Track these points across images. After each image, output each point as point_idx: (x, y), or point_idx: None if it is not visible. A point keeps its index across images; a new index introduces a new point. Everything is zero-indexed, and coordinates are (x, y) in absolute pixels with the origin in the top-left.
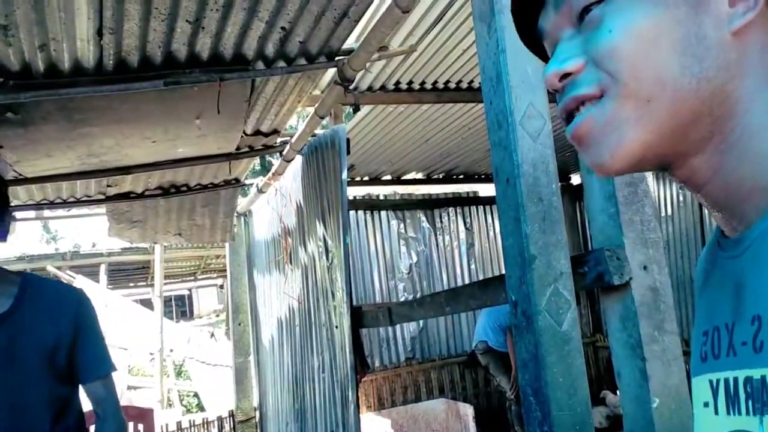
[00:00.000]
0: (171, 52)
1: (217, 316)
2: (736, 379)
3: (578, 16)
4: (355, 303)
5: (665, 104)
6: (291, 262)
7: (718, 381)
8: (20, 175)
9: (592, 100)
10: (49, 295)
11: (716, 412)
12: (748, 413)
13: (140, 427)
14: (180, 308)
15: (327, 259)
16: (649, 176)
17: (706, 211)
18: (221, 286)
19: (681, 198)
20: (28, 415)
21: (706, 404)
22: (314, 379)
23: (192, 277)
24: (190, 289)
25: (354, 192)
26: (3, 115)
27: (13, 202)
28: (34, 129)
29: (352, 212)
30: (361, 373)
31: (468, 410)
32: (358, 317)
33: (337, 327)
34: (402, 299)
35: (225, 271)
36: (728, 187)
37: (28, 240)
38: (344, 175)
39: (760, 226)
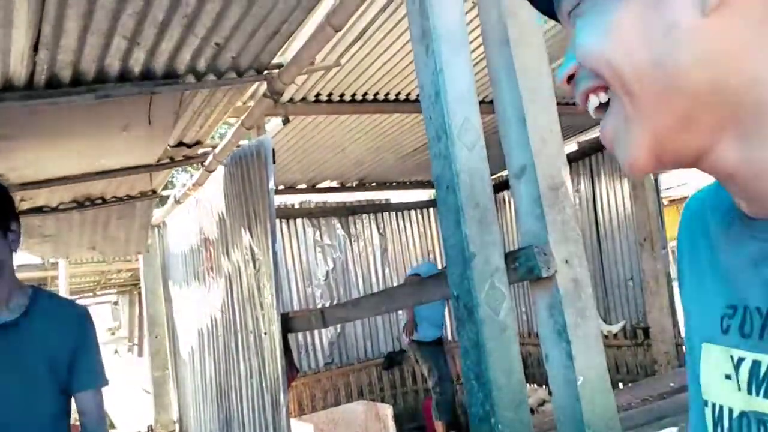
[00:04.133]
0: (104, 67)
1: (113, 333)
2: None
3: (569, 19)
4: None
5: (652, 100)
6: (213, 272)
7: (741, 359)
8: None
9: (596, 91)
10: (56, 309)
11: (739, 388)
12: None
13: None
14: None
15: (254, 267)
16: (567, 179)
17: (600, 211)
18: (116, 303)
19: (577, 200)
20: (31, 420)
21: (728, 377)
22: (241, 386)
23: (91, 294)
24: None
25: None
26: None
27: None
28: None
29: None
30: (291, 376)
31: (387, 410)
32: (287, 322)
33: (266, 333)
34: (319, 305)
35: (125, 286)
36: (757, 175)
37: None
38: (271, 184)
39: None
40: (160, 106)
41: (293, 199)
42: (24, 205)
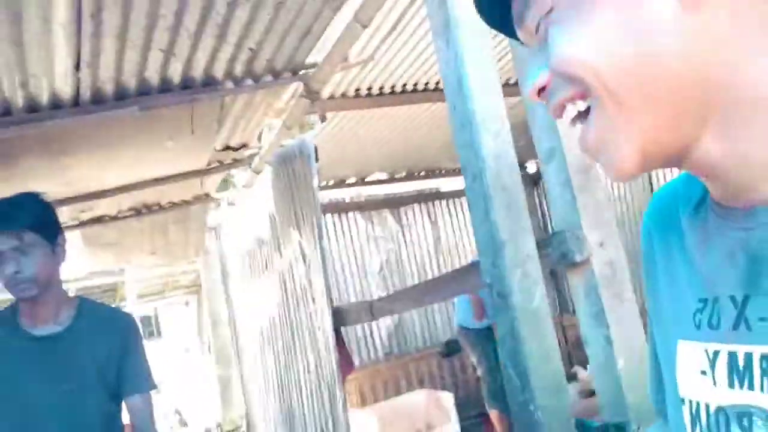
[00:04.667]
0: (144, 79)
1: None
2: (749, 355)
3: (536, 31)
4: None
5: (639, 101)
6: (267, 271)
7: (717, 352)
8: None
9: (573, 100)
10: (102, 317)
11: (714, 383)
12: (763, 390)
13: None
14: (147, 328)
15: (304, 263)
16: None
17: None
18: (186, 303)
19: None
20: (83, 425)
21: (703, 372)
22: (300, 381)
23: (159, 296)
24: (155, 309)
25: (320, 196)
26: None
27: None
28: (14, 161)
29: None
30: (347, 370)
31: (448, 398)
32: (339, 316)
33: (319, 328)
34: (376, 297)
35: (193, 286)
36: (740, 167)
37: None
38: (315, 182)
39: None
40: (202, 113)
41: (344, 194)
42: (84, 216)
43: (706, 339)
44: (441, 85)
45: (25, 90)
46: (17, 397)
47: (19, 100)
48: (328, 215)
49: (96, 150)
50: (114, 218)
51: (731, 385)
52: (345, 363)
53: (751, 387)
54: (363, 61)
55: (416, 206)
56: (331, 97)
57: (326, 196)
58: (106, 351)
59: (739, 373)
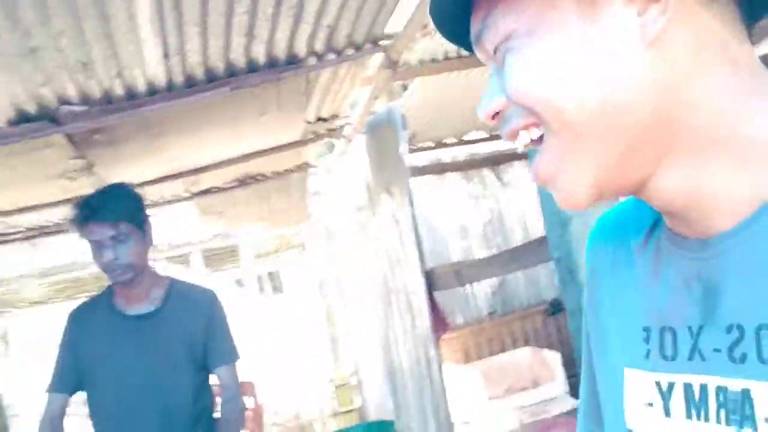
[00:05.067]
0: (230, 62)
1: (304, 291)
2: (704, 386)
3: (494, 53)
4: (431, 265)
5: (597, 135)
6: (364, 235)
7: (672, 384)
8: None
9: (527, 128)
10: (190, 296)
11: (668, 414)
12: (719, 422)
13: (245, 399)
14: (270, 283)
15: (397, 228)
16: None
17: None
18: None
19: None
20: (175, 396)
21: (650, 405)
22: (398, 341)
23: (274, 255)
24: (276, 266)
25: (420, 158)
26: (92, 137)
27: None
28: (120, 145)
29: (421, 178)
30: (440, 331)
31: (555, 357)
32: (431, 280)
33: (412, 291)
34: (478, 257)
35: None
36: (695, 201)
37: None
38: (402, 148)
39: (741, 231)
40: (289, 89)
41: (443, 155)
42: (194, 189)
43: (658, 369)
44: None
45: (121, 79)
46: (114, 372)
47: (117, 89)
48: (429, 176)
49: (194, 130)
50: (221, 189)
51: (689, 416)
52: (439, 324)
53: (707, 419)
54: None
55: (517, 164)
56: (420, 63)
57: (425, 158)
58: (194, 327)
59: (696, 404)
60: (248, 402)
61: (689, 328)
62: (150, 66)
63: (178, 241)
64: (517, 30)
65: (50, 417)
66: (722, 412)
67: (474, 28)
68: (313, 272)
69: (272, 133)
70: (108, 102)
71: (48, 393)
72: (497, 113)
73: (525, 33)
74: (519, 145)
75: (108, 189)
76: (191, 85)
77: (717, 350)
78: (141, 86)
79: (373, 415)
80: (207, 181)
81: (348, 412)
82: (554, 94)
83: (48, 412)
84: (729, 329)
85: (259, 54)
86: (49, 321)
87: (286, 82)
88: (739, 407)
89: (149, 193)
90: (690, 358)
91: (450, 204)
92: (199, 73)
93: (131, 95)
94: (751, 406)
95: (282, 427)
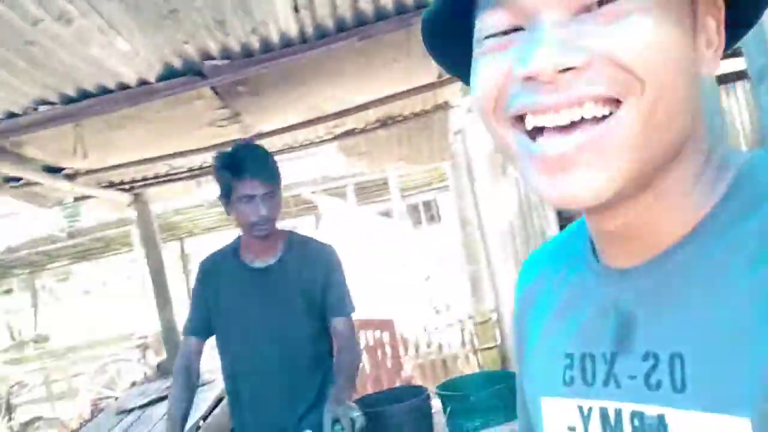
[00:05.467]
0: (360, 11)
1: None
2: (619, 411)
3: (583, 3)
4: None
5: (667, 135)
6: (504, 176)
7: (590, 408)
8: (258, 132)
9: (600, 102)
10: (308, 250)
11: None
12: None
13: (384, 335)
14: (428, 212)
15: None
16: None
17: None
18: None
19: None
20: (295, 342)
21: (571, 428)
22: None
23: (429, 186)
24: (434, 196)
25: None
26: (236, 89)
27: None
28: (262, 95)
29: None
30: None
31: None
32: (563, 221)
33: (544, 233)
34: None
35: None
36: (640, 224)
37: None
38: None
39: (657, 264)
40: (418, 36)
41: None
42: (337, 131)
43: (580, 394)
44: None
45: (257, 34)
46: (240, 320)
47: (255, 44)
48: None
49: (330, 77)
50: (363, 131)
51: None
52: None
53: None
54: None
55: None
56: None
57: None
58: (311, 278)
59: (612, 428)
60: (386, 337)
61: (603, 354)
62: (282, 20)
63: (334, 174)
64: None
65: (185, 358)
66: None
67: None
68: (456, 210)
69: (409, 76)
70: (248, 55)
71: (183, 336)
72: (567, 70)
73: (657, 4)
74: (577, 114)
75: (254, 148)
76: (322, 35)
77: (632, 377)
78: (275, 39)
79: (510, 352)
80: (348, 123)
81: (488, 348)
82: (671, 74)
83: (183, 353)
84: (645, 357)
85: (388, 1)
86: (221, 243)
87: (416, 28)
88: None
89: (295, 137)
90: (606, 384)
91: None
92: (329, 23)
93: (267, 48)
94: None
95: (425, 360)
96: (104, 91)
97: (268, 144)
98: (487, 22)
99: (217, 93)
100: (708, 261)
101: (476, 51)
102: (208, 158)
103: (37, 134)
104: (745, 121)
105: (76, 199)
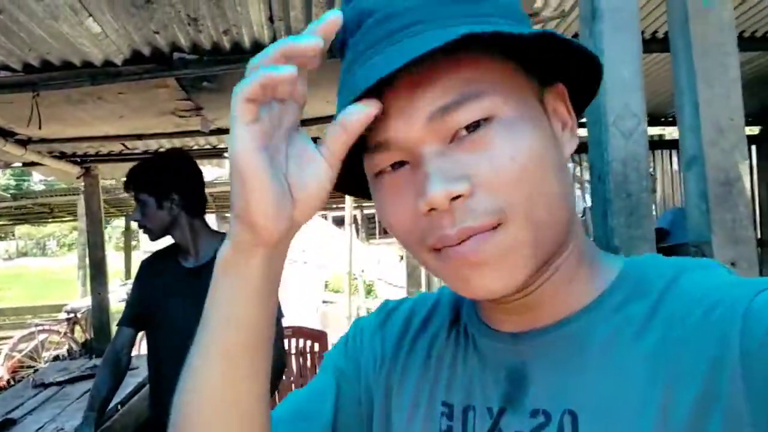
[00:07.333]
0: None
1: None
2: None
3: (453, 133)
4: None
5: (553, 228)
6: None
7: None
8: (218, 128)
9: (492, 228)
10: None
11: None
12: None
13: (316, 346)
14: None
15: None
16: (746, 176)
17: None
18: None
19: None
20: None
21: None
22: None
23: None
24: None
25: None
26: (201, 83)
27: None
28: (226, 93)
29: None
30: None
31: None
32: None
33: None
34: None
35: None
36: (541, 297)
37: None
38: None
39: (553, 330)
40: None
41: None
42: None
43: None
44: (659, 36)
45: (229, 36)
46: (167, 317)
47: (225, 44)
48: None
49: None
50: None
51: None
52: None
53: None
54: (555, 17)
55: None
56: None
57: None
58: None
59: None
60: (316, 347)
61: (488, 408)
62: (256, 27)
63: None
64: (502, 111)
65: (117, 347)
66: None
67: (442, 99)
68: None
69: None
70: (217, 53)
71: (118, 326)
72: (457, 197)
73: (514, 119)
74: (468, 247)
75: (149, 160)
76: None
77: None
78: (247, 43)
79: None
80: (311, 133)
81: None
82: (540, 187)
83: (116, 343)
84: (534, 414)
85: None
86: None
87: None
88: None
89: None
90: None
91: None
92: None
93: (238, 50)
94: None
95: None
96: (68, 66)
97: (217, 140)
98: (374, 160)
99: (182, 85)
100: (600, 332)
101: (373, 186)
102: (164, 143)
103: None
104: None
105: (26, 165)
